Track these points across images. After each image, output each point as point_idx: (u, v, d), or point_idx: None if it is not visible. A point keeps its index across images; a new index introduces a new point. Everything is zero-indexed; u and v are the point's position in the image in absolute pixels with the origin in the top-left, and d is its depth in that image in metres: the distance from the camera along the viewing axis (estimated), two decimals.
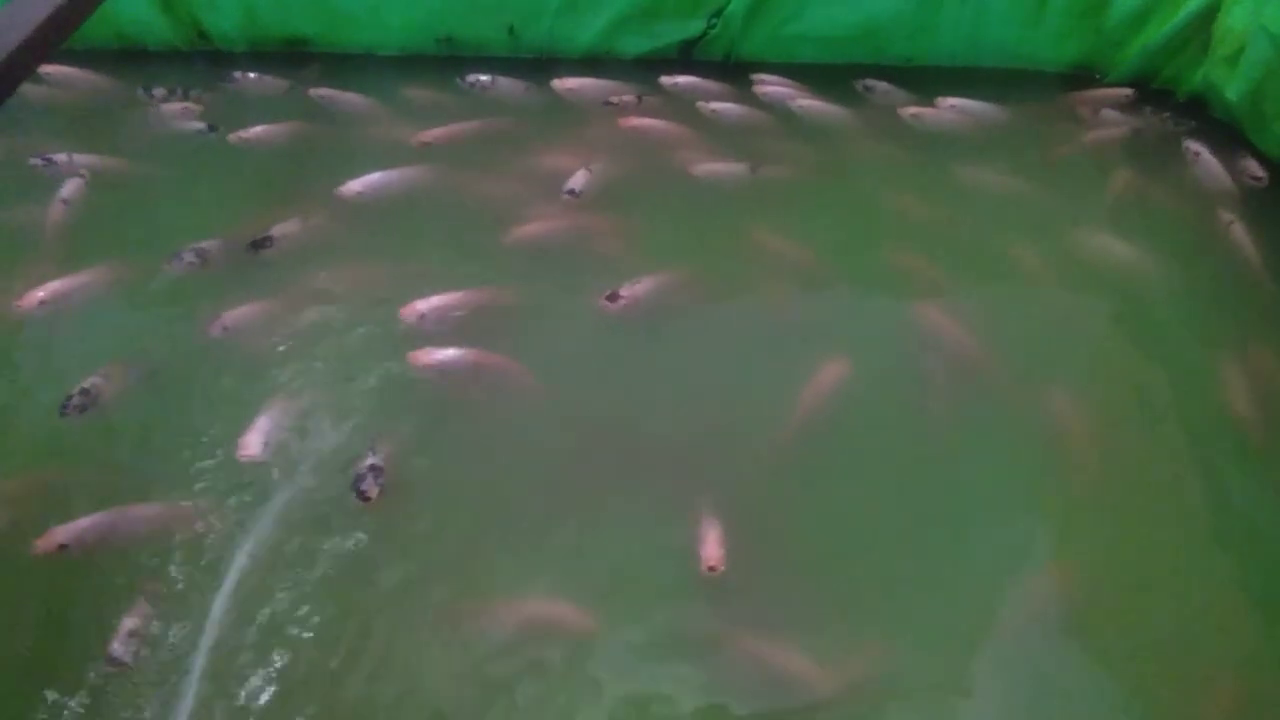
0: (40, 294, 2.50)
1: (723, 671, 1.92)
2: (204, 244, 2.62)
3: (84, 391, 2.24)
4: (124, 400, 2.30)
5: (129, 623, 1.91)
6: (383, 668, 1.90)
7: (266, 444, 2.18)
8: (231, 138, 2.96)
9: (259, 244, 2.64)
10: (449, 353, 2.39)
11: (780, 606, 2.05)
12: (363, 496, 2.08)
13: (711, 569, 2.00)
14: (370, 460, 2.14)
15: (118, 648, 1.87)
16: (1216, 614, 2.05)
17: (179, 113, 3.11)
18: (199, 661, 1.86)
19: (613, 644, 1.95)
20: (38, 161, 2.89)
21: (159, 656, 1.89)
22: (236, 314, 2.45)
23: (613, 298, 2.53)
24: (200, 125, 3.06)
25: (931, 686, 1.95)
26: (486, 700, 1.87)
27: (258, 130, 2.99)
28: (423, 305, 2.46)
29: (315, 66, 3.34)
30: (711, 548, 2.02)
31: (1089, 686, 1.95)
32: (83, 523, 2.03)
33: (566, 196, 2.78)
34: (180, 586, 1.99)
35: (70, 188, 2.84)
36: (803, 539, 2.16)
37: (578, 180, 2.82)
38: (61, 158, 2.90)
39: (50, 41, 1.60)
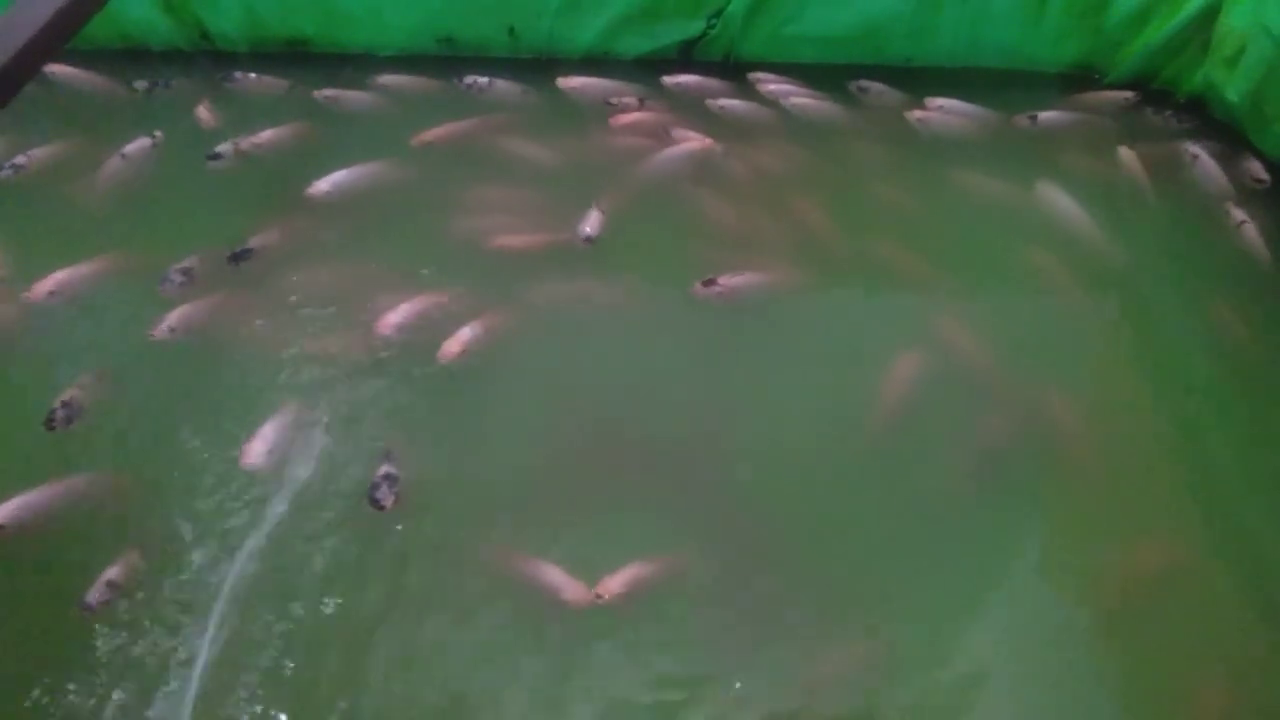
0: (49, 285, 2.55)
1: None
2: (188, 263, 2.61)
3: (65, 404, 2.25)
4: (107, 409, 2.32)
5: (110, 573, 1.99)
6: (385, 662, 1.93)
7: (270, 452, 2.19)
8: (244, 144, 2.96)
9: (239, 256, 2.64)
10: (465, 333, 2.43)
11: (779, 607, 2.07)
12: (378, 505, 2.09)
13: (598, 596, 2.00)
14: (385, 469, 2.15)
15: (91, 595, 1.95)
16: (1214, 620, 2.07)
17: (202, 116, 3.10)
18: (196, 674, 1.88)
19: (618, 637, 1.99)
20: (8, 172, 2.86)
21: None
22: (180, 314, 2.46)
23: (709, 283, 2.55)
24: (222, 148, 2.96)
25: (930, 684, 1.97)
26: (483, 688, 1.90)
27: (267, 135, 2.99)
28: (394, 317, 2.45)
29: (350, 71, 3.31)
30: (614, 581, 2.02)
31: (1088, 688, 1.97)
32: (13, 503, 2.08)
33: (583, 244, 2.69)
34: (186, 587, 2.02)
35: (135, 146, 2.94)
36: (791, 544, 2.18)
37: (592, 223, 2.72)
38: (21, 160, 2.89)
39: (56, 41, 1.62)
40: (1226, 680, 1.98)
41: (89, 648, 1.92)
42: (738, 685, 1.93)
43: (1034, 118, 3.14)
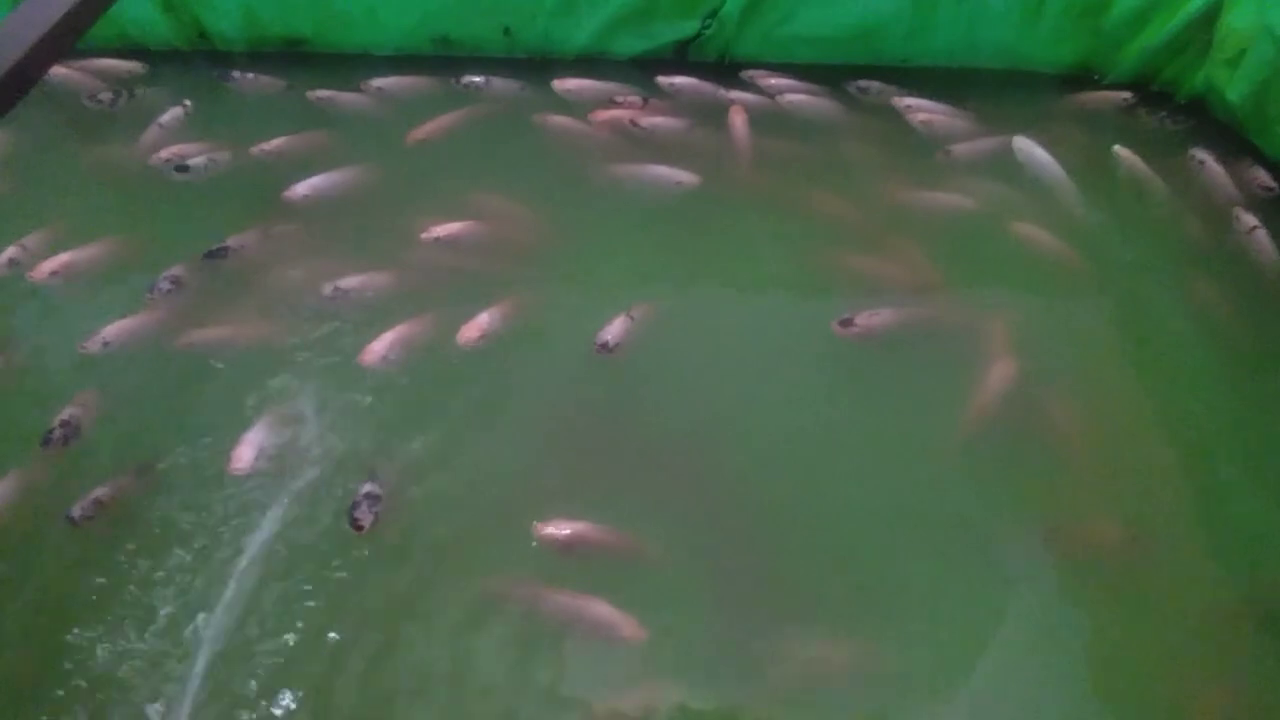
0: (52, 266, 2.59)
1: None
2: (175, 270, 2.61)
3: (64, 423, 2.24)
4: (104, 422, 2.31)
5: (98, 492, 2.09)
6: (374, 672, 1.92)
7: (258, 457, 2.19)
8: (254, 150, 2.95)
9: (215, 254, 2.65)
10: (482, 319, 2.46)
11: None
12: (356, 525, 2.08)
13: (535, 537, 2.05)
14: (367, 488, 2.14)
15: (76, 509, 2.06)
16: (1210, 622, 2.04)
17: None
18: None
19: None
20: None
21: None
22: (116, 327, 2.45)
23: (846, 323, 2.48)
24: (193, 160, 2.91)
25: (922, 680, 1.96)
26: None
27: (278, 142, 2.98)
28: (379, 346, 2.42)
29: (347, 71, 3.30)
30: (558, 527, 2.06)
31: (1080, 691, 1.95)
32: None
33: (599, 352, 2.44)
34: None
35: (169, 115, 3.05)
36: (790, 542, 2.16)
37: (614, 331, 2.48)
38: None
39: (66, 39, 1.63)
40: (1227, 683, 1.96)
41: None
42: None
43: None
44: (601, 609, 1.97)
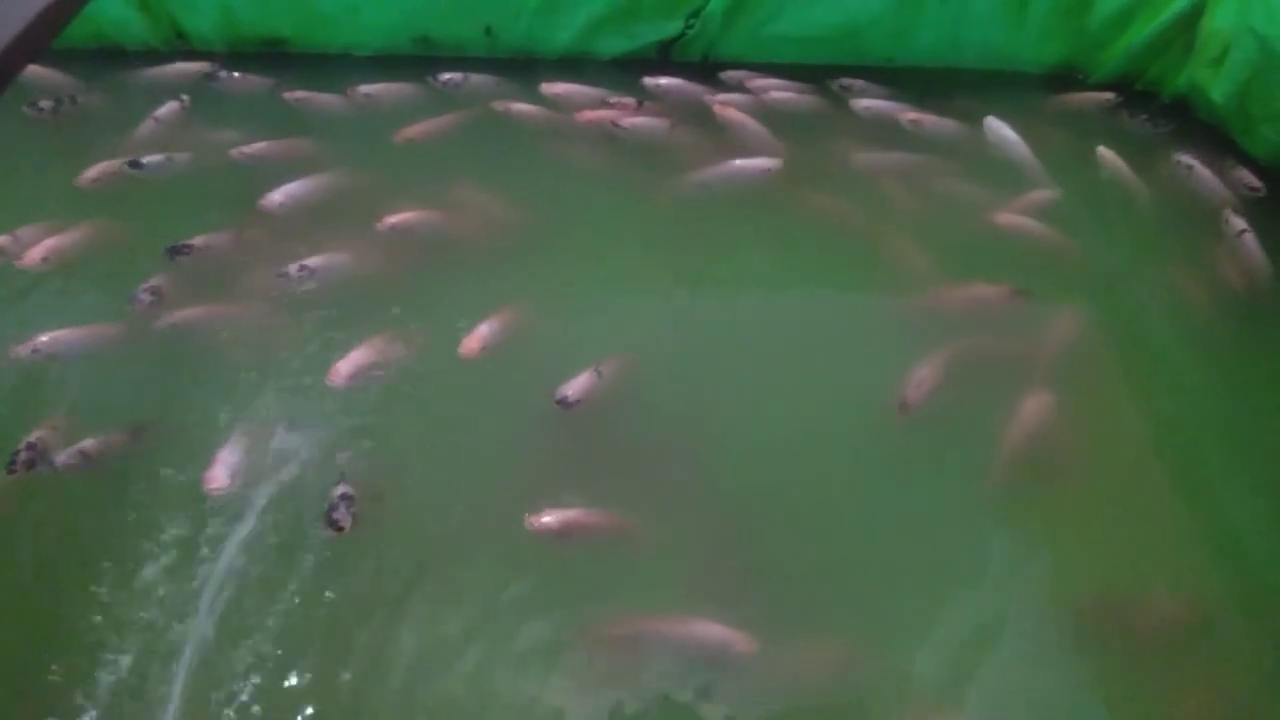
0: (40, 252, 2.57)
1: None
2: (154, 282, 2.56)
3: (30, 446, 2.15)
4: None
5: (86, 444, 2.14)
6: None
7: (233, 475, 2.16)
8: (234, 153, 2.90)
9: (177, 251, 2.61)
10: (483, 330, 2.42)
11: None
12: (335, 526, 2.06)
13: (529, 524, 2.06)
14: (341, 489, 2.12)
15: (61, 456, 2.11)
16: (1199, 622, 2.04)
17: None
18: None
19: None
20: None
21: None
22: (51, 337, 2.38)
23: (904, 409, 2.31)
24: (148, 159, 2.86)
25: (917, 679, 1.95)
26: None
27: (259, 146, 2.93)
28: (346, 366, 2.36)
29: (329, 72, 3.27)
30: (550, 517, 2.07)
31: (1070, 691, 1.94)
32: None
33: (559, 405, 2.28)
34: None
35: (166, 109, 3.04)
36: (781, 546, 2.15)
37: (575, 388, 2.31)
38: None
39: (42, 38, 1.60)
40: (1212, 686, 1.95)
41: None
42: None
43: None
44: (713, 628, 1.96)
